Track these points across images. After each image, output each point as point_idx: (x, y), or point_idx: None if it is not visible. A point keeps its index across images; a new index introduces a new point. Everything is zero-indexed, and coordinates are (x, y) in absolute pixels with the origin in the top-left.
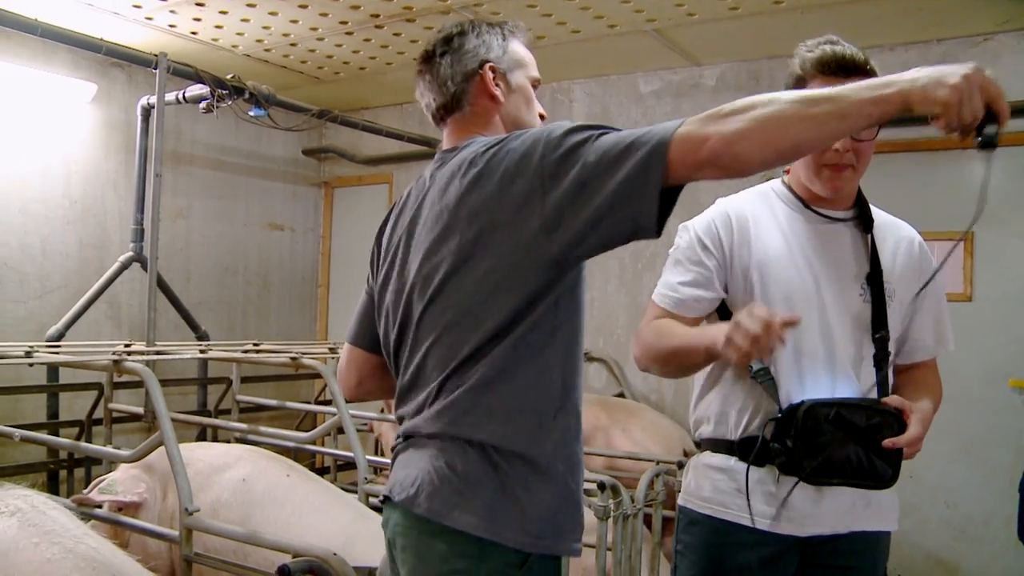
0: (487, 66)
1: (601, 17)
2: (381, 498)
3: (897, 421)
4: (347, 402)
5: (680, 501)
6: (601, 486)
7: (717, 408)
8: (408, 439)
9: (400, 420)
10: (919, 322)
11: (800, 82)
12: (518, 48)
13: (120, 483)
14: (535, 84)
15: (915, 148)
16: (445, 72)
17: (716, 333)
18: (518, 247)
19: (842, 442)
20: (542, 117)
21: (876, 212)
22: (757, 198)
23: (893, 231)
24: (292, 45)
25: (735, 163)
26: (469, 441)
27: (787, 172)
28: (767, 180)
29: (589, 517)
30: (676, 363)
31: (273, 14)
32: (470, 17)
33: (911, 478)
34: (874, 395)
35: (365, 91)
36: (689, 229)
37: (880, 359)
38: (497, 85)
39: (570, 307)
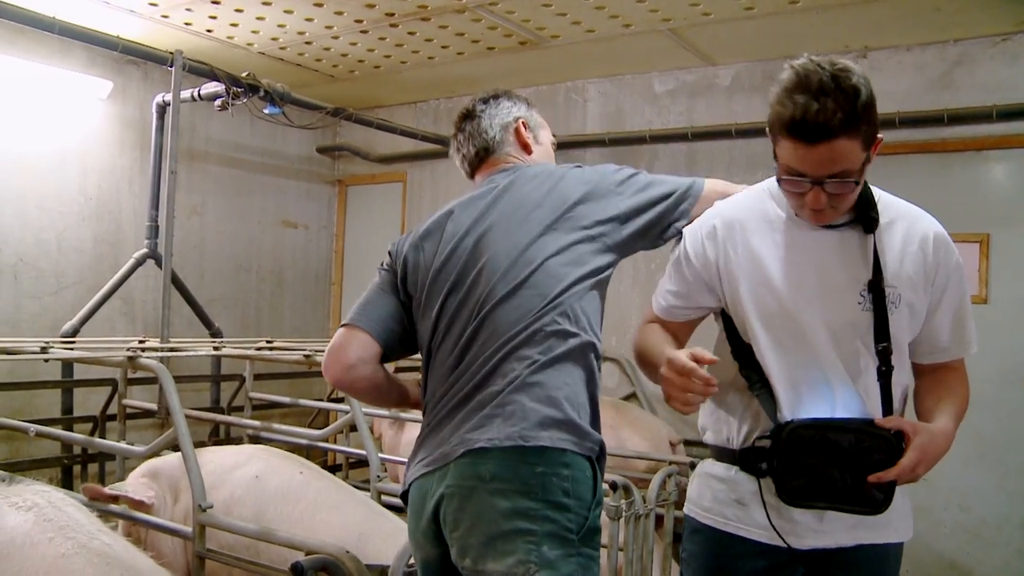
0: (520, 120)
1: (616, 16)
2: (425, 471)
3: (888, 444)
4: (331, 385)
5: (684, 509)
6: (613, 486)
7: (720, 415)
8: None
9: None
10: (936, 322)
11: (777, 135)
12: (538, 115)
13: (130, 486)
14: (554, 145)
15: (930, 149)
16: (486, 123)
17: (667, 355)
18: (590, 233)
19: (824, 465)
20: None
21: (892, 205)
22: (754, 202)
23: (906, 227)
24: (307, 43)
25: None
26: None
27: None
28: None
29: (601, 517)
30: (647, 370)
31: (288, 12)
32: (493, 90)
33: (924, 481)
34: (878, 409)
35: (379, 89)
36: (684, 236)
37: (883, 372)
38: (529, 137)
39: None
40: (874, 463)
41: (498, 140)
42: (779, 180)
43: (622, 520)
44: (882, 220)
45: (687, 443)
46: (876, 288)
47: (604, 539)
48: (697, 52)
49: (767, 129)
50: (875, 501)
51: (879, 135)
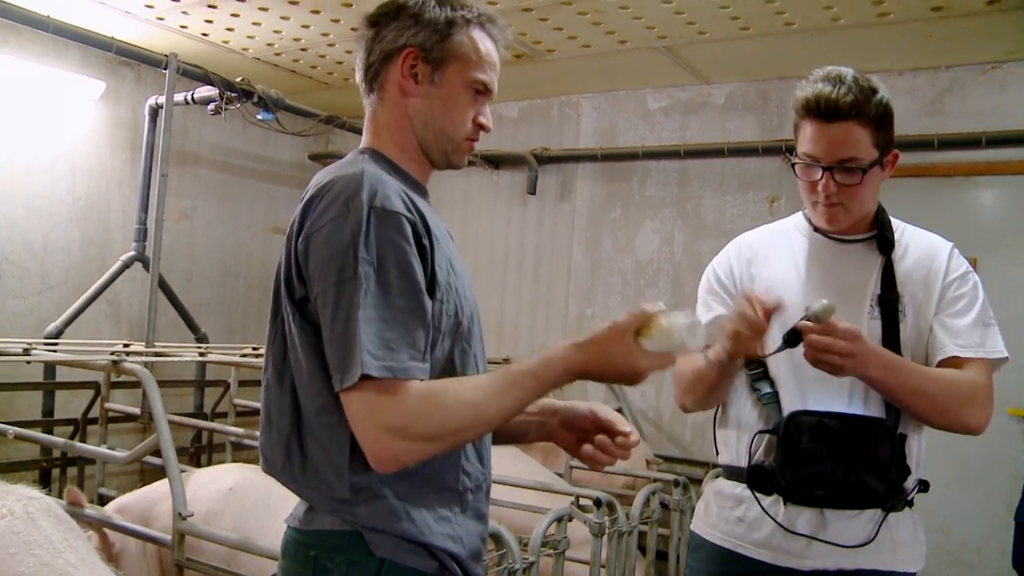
0: (407, 51)
1: (612, 32)
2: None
3: (889, 433)
4: None
5: (691, 526)
6: (597, 503)
7: (730, 434)
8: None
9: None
10: (943, 324)
11: (799, 120)
12: (466, 41)
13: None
14: (479, 89)
15: (921, 173)
16: (370, 45)
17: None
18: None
19: (823, 453)
20: (483, 128)
21: (908, 231)
22: (774, 230)
23: (919, 246)
24: (303, 50)
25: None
26: None
27: None
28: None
29: (584, 533)
30: (700, 386)
31: (285, 18)
32: None
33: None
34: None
35: None
36: (707, 269)
37: None
38: (414, 76)
39: None
40: (872, 454)
41: (372, 75)
42: (794, 166)
43: (605, 537)
44: (896, 238)
45: (665, 459)
46: (886, 301)
47: (586, 555)
48: (692, 70)
49: (793, 125)
50: (875, 491)
51: (895, 151)
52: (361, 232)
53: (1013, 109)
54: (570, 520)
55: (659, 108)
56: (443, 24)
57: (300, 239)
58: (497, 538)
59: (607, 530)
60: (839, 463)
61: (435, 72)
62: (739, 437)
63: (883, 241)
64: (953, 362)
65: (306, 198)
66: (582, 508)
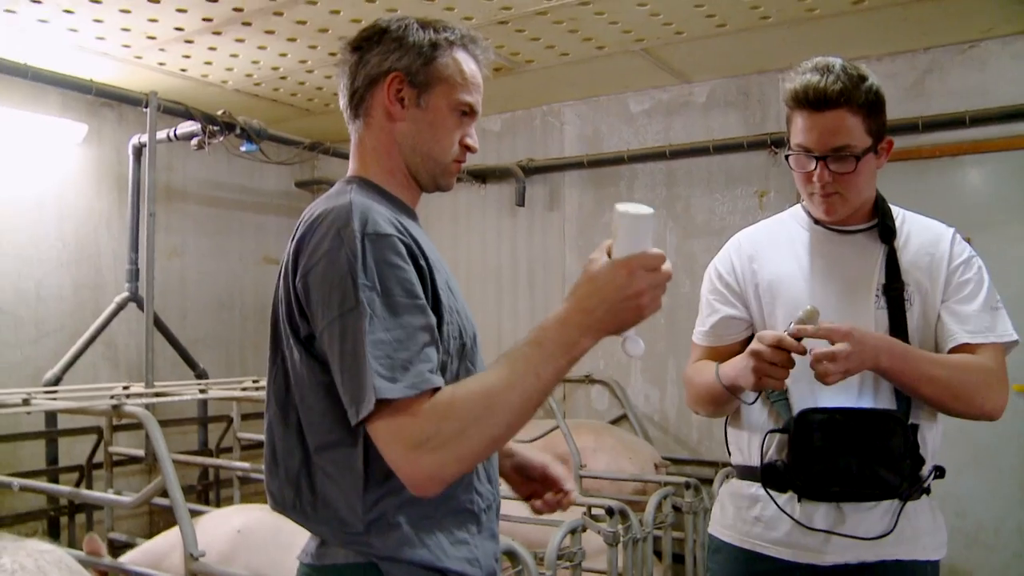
0: (392, 75)
1: (590, 39)
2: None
3: (900, 425)
4: None
5: (709, 528)
6: (610, 511)
7: (742, 435)
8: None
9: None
10: (951, 311)
11: (790, 112)
12: (451, 63)
13: None
14: (465, 110)
15: (906, 156)
16: (353, 70)
17: (736, 368)
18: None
19: (837, 449)
20: (469, 149)
21: (908, 218)
22: (773, 224)
23: (921, 234)
24: (282, 78)
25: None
26: None
27: None
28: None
29: (599, 542)
30: (712, 404)
31: (262, 48)
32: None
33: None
34: (894, 406)
35: None
36: (709, 268)
37: None
38: (400, 100)
39: None
40: (885, 447)
41: (357, 100)
42: (787, 158)
43: (620, 545)
44: (897, 225)
45: (673, 462)
46: (891, 291)
47: (603, 565)
48: (672, 71)
49: (785, 118)
50: (889, 483)
51: (889, 138)
52: (357, 260)
53: (994, 87)
54: (584, 531)
55: (641, 111)
56: (427, 47)
57: (298, 278)
58: (512, 555)
59: (622, 538)
60: (852, 458)
61: (421, 95)
62: (750, 437)
63: (884, 230)
64: (964, 349)
65: (297, 235)
66: (594, 518)
